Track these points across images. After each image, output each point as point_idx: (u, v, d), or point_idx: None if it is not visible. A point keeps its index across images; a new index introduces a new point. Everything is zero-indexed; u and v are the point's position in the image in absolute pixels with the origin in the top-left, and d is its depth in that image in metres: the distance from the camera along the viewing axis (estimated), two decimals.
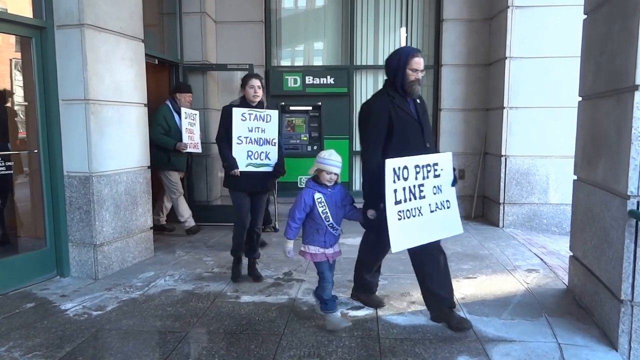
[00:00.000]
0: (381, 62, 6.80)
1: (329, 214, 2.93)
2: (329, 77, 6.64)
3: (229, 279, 3.98)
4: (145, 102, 4.58)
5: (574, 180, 3.62)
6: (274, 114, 3.91)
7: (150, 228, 4.70)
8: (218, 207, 6.39)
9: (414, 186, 2.82)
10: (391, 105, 2.93)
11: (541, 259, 4.48)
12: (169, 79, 6.17)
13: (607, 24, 3.05)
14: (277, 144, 3.90)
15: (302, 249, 3.06)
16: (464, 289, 3.70)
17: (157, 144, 5.21)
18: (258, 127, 3.82)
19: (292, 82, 6.69)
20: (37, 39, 3.81)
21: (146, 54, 4.68)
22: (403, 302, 3.45)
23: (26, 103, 3.99)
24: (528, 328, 3.01)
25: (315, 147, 6.60)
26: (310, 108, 6.69)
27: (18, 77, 4.04)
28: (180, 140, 5.33)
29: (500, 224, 5.90)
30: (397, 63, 2.94)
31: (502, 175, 5.89)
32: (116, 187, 4.17)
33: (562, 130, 5.48)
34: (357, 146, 6.84)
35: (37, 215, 4.07)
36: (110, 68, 4.08)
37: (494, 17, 6.17)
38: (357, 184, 6.98)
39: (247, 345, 2.81)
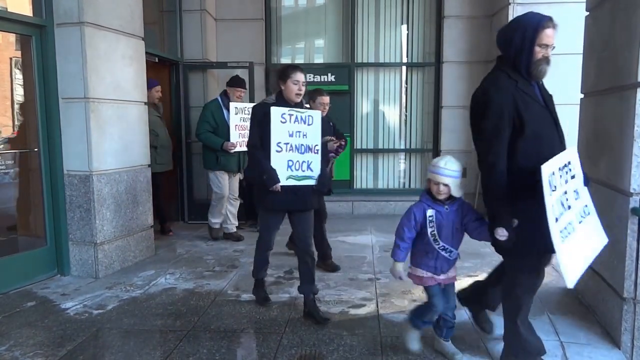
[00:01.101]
0: (382, 59, 6.79)
1: (437, 237, 2.46)
2: (329, 74, 6.62)
3: (229, 277, 3.97)
4: (146, 100, 4.57)
5: None
6: (317, 115, 3.22)
7: (151, 226, 4.69)
8: None
9: (562, 194, 2.18)
10: (516, 92, 2.25)
11: None
12: (169, 77, 6.15)
13: (609, 20, 3.03)
14: (319, 152, 3.21)
15: (409, 269, 2.58)
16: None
17: (204, 143, 5.01)
18: (299, 132, 3.11)
19: None
20: (36, 37, 3.80)
21: (146, 52, 4.67)
22: (404, 300, 3.44)
23: (26, 101, 3.98)
24: None
25: None
26: (309, 106, 6.66)
27: (18, 76, 4.02)
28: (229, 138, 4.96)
29: None
30: (521, 37, 2.25)
31: None
32: (116, 185, 4.16)
33: (564, 128, 5.44)
34: (358, 144, 6.84)
35: (37, 214, 4.06)
36: (110, 66, 4.07)
37: (496, 14, 6.14)
38: (358, 183, 6.97)
39: (248, 343, 2.81)
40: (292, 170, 3.09)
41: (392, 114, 6.95)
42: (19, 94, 4.05)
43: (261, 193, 3.13)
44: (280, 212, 3.22)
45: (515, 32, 2.28)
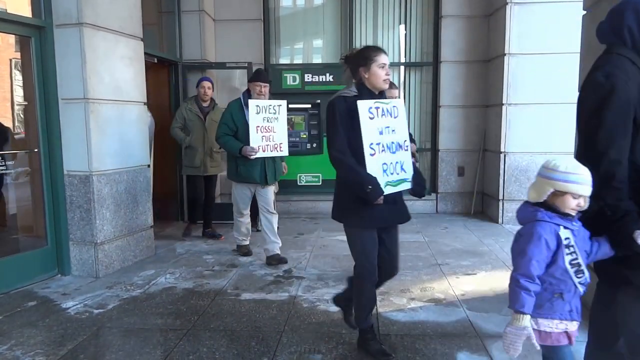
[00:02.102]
0: None
1: (582, 264, 1.80)
2: (328, 74, 6.64)
3: (229, 276, 3.99)
4: (145, 100, 4.59)
5: None
6: (400, 103, 2.69)
7: (151, 226, 4.71)
8: (217, 205, 6.39)
9: None
10: None
11: None
12: (168, 77, 6.17)
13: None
14: (409, 148, 2.71)
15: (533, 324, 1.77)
16: (463, 285, 3.71)
17: (223, 148, 4.50)
18: (388, 127, 2.56)
19: (291, 80, 6.69)
20: (36, 38, 3.81)
21: (145, 53, 4.68)
22: (403, 299, 3.46)
23: (26, 102, 3.99)
24: None
25: (314, 145, 6.60)
26: (309, 106, 6.68)
27: (18, 77, 4.04)
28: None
29: (500, 221, 5.91)
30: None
31: (502, 171, 5.90)
32: (116, 186, 4.18)
33: (562, 127, 5.48)
34: None
35: (37, 214, 4.08)
36: (110, 67, 4.08)
37: (493, 14, 6.16)
38: None
39: (247, 342, 2.82)
40: (387, 175, 2.53)
41: None
42: (19, 94, 4.07)
43: (352, 209, 2.53)
44: (375, 230, 2.60)
45: (630, 13, 1.87)
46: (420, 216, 6.27)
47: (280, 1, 6.92)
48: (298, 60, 7.14)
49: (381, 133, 2.52)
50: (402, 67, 6.87)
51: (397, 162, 2.59)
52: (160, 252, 4.75)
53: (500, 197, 5.91)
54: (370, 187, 2.39)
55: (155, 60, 5.57)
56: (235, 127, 4.21)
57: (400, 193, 2.62)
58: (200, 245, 5.06)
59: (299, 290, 3.67)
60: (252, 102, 4.08)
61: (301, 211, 6.60)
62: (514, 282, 1.75)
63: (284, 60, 7.09)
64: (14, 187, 4.09)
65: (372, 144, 2.47)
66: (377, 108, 2.51)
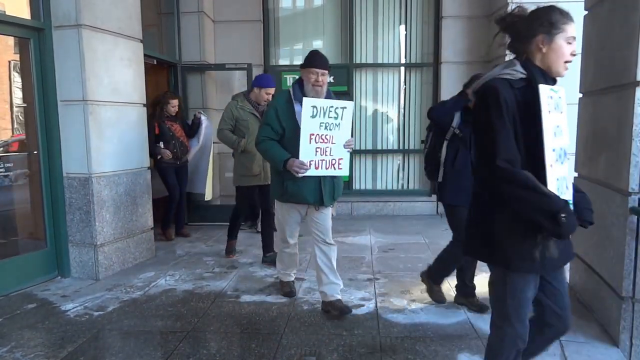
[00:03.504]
0: (381, 60, 6.80)
1: None
2: (328, 75, 6.61)
3: (229, 278, 3.98)
4: (144, 102, 4.58)
5: (575, 177, 3.61)
6: (564, 94, 1.93)
7: (151, 228, 4.69)
8: (216, 207, 6.37)
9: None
10: None
11: None
12: (167, 79, 6.16)
13: (607, 19, 3.04)
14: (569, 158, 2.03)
15: None
16: None
17: (264, 157, 3.46)
18: (559, 126, 1.83)
19: (291, 81, 6.67)
20: (35, 40, 3.80)
21: (144, 54, 4.67)
22: (403, 300, 3.45)
23: (25, 105, 3.98)
24: None
25: None
26: None
27: (16, 79, 4.03)
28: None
29: None
30: None
31: None
32: (116, 187, 4.17)
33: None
34: (357, 145, 6.84)
35: (37, 216, 4.07)
36: (109, 68, 4.08)
37: (494, 14, 6.15)
38: (357, 184, 6.98)
39: (247, 344, 2.81)
40: (561, 194, 1.75)
41: (391, 114, 6.96)
42: (18, 97, 4.06)
43: (518, 244, 1.76)
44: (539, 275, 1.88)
45: None
46: (421, 218, 6.25)
47: (280, 2, 6.91)
48: (298, 61, 7.08)
49: (555, 135, 1.76)
50: (402, 68, 6.86)
51: (564, 178, 1.81)
52: (160, 254, 4.74)
53: None
54: (564, 215, 1.62)
55: (155, 62, 5.57)
56: (281, 130, 3.11)
57: None
58: (200, 246, 5.05)
59: (300, 292, 3.65)
60: (307, 102, 2.96)
61: None
62: None
63: (283, 62, 7.08)
64: (14, 189, 4.08)
65: (555, 148, 1.73)
66: (551, 97, 1.77)
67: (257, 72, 6.48)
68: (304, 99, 2.98)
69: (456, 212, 3.07)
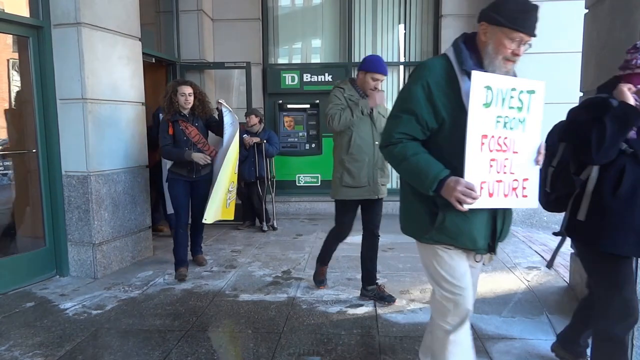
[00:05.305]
0: None
1: None
2: (326, 74, 6.63)
3: (227, 277, 3.98)
4: (143, 100, 4.57)
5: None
6: None
7: (149, 227, 4.69)
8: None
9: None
10: None
11: (542, 257, 4.48)
12: (166, 77, 6.15)
13: (608, 18, 3.04)
14: None
15: None
16: None
17: (397, 169, 2.00)
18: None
19: (289, 79, 6.68)
20: (34, 38, 3.80)
21: (143, 53, 4.67)
22: (402, 300, 3.45)
23: (24, 103, 3.98)
24: (529, 325, 3.01)
25: (313, 145, 6.60)
26: (308, 106, 6.69)
27: (15, 77, 4.02)
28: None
29: None
30: None
31: None
32: (115, 186, 4.16)
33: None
34: None
35: (36, 215, 4.06)
36: (108, 67, 4.07)
37: None
38: None
39: (246, 343, 2.81)
40: None
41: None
42: (17, 95, 4.05)
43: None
44: None
45: None
46: None
47: (279, 1, 6.91)
48: (297, 60, 7.13)
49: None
50: (401, 67, 6.85)
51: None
52: (159, 253, 4.73)
53: None
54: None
55: (153, 60, 5.56)
56: (436, 123, 1.80)
57: None
58: None
59: (298, 291, 3.65)
60: (477, 77, 1.71)
61: (300, 212, 6.59)
62: None
63: (282, 60, 7.07)
64: (12, 188, 4.07)
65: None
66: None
67: (255, 70, 6.49)
68: (474, 72, 1.71)
69: (620, 265, 2.06)
